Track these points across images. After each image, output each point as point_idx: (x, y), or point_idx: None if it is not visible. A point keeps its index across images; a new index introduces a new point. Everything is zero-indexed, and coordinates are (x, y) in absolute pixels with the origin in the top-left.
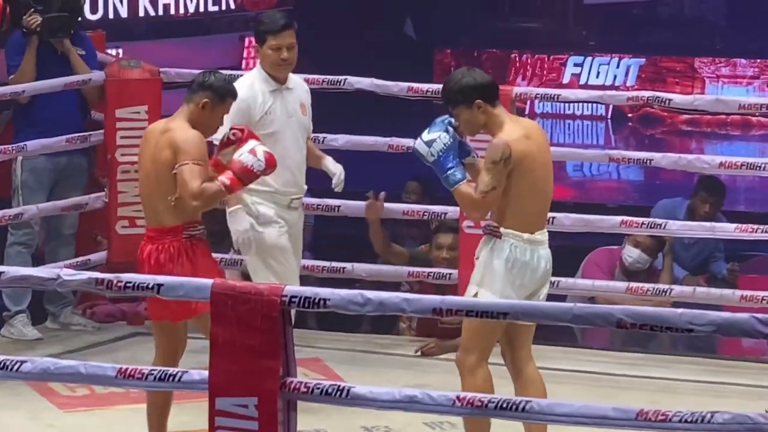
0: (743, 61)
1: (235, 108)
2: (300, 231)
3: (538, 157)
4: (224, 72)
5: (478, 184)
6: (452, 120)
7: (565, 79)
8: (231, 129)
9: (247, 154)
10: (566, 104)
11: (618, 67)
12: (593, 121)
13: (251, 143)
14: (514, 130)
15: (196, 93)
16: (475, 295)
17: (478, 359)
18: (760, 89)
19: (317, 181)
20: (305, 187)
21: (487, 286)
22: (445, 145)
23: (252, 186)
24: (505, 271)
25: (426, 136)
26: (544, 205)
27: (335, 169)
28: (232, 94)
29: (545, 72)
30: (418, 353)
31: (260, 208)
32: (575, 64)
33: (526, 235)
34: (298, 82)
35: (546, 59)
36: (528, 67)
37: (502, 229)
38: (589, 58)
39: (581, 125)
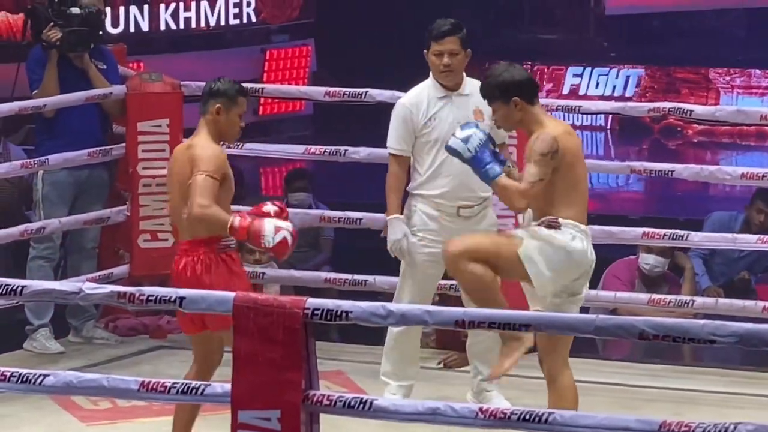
0: (758, 71)
1: (399, 114)
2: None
3: (579, 154)
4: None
5: (525, 175)
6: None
7: (565, 90)
8: (275, 204)
9: (272, 225)
10: (566, 114)
11: (617, 77)
12: (593, 132)
13: (284, 224)
14: (557, 127)
15: (208, 102)
16: (521, 240)
17: (564, 362)
18: None
19: (338, 194)
20: (483, 194)
21: (537, 244)
22: (480, 140)
23: (417, 191)
24: (567, 253)
25: (460, 133)
26: (586, 202)
27: None
28: (242, 92)
29: (543, 83)
30: (441, 365)
31: (418, 215)
32: (574, 75)
33: (583, 227)
34: (477, 87)
35: (545, 70)
36: (545, 78)
37: (560, 219)
38: (589, 69)
39: (581, 135)
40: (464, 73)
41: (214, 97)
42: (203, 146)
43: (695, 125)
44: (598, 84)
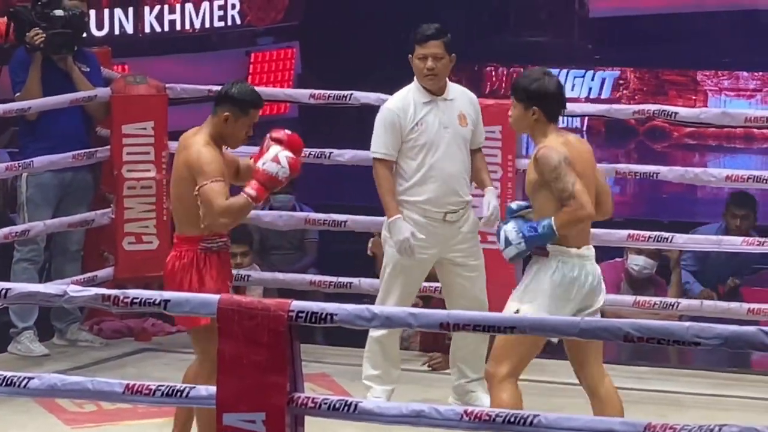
0: (745, 74)
1: (386, 119)
2: (463, 246)
3: (580, 165)
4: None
5: (558, 195)
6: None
7: None
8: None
9: (270, 162)
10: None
11: (593, 79)
12: None
13: (274, 149)
14: (555, 139)
15: (219, 105)
16: (517, 312)
17: (508, 373)
18: (763, 102)
19: (325, 197)
20: (467, 199)
21: (529, 302)
22: (514, 228)
23: (402, 197)
24: (551, 288)
25: (501, 245)
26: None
27: (487, 203)
28: (255, 105)
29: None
30: (426, 367)
31: (408, 221)
32: None
33: (573, 251)
34: (460, 92)
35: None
36: (504, 79)
37: (548, 247)
38: (564, 71)
39: None
40: (447, 79)
41: (227, 102)
42: (197, 153)
43: (682, 127)
44: (573, 86)
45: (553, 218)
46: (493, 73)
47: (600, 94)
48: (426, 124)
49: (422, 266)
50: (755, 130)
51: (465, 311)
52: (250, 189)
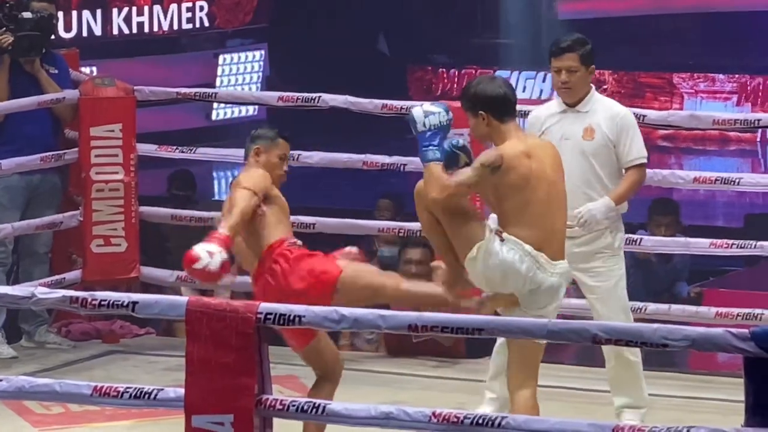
0: (721, 76)
1: (526, 126)
2: (584, 265)
3: (537, 175)
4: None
5: (459, 173)
6: (456, 141)
7: None
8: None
9: (206, 250)
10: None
11: (544, 81)
12: None
13: (215, 247)
14: (515, 146)
15: (249, 147)
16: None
17: (524, 380)
18: (738, 104)
19: (295, 199)
20: (577, 212)
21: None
22: (440, 122)
23: None
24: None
25: (428, 106)
26: (547, 227)
27: (585, 206)
28: (281, 135)
29: (517, 89)
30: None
31: None
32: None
33: (528, 247)
34: (602, 105)
35: (474, 74)
36: (456, 80)
37: (505, 235)
38: (516, 72)
39: None
40: (592, 90)
41: (254, 141)
42: (246, 170)
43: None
44: (525, 88)
45: (438, 164)
46: (456, 76)
47: (552, 95)
48: (549, 134)
49: None
50: (730, 132)
51: (434, 314)
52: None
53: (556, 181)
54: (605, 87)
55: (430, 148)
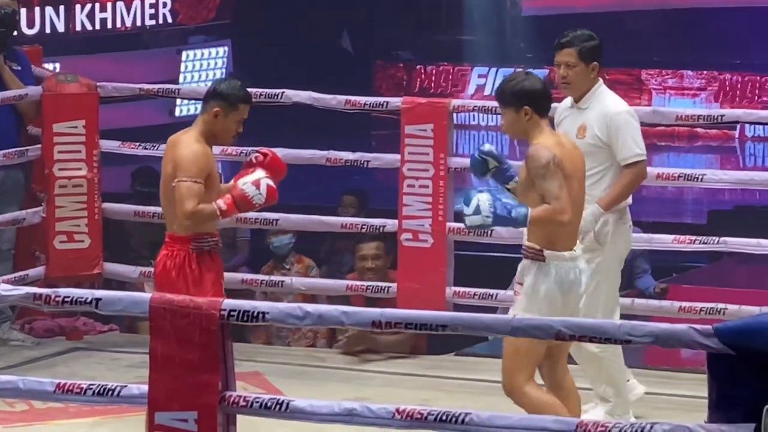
0: (690, 72)
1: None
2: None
3: (570, 166)
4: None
5: (545, 196)
6: (480, 152)
7: (470, 90)
8: (256, 152)
9: (250, 185)
10: (482, 115)
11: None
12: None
13: (258, 174)
14: (547, 138)
15: (208, 102)
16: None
17: (524, 381)
18: (707, 101)
19: None
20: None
21: (531, 311)
22: (488, 200)
23: None
24: (551, 294)
25: (468, 210)
26: (579, 219)
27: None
28: (244, 100)
29: (450, 84)
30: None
31: None
32: (479, 75)
33: (567, 254)
34: (598, 104)
35: (451, 70)
36: (433, 77)
37: (546, 252)
38: (494, 69)
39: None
40: (596, 86)
41: (216, 98)
42: (186, 146)
43: None
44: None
45: (530, 209)
46: (423, 72)
47: None
48: (559, 129)
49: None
50: (699, 129)
51: (398, 310)
52: (222, 202)
53: (583, 175)
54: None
55: (512, 216)
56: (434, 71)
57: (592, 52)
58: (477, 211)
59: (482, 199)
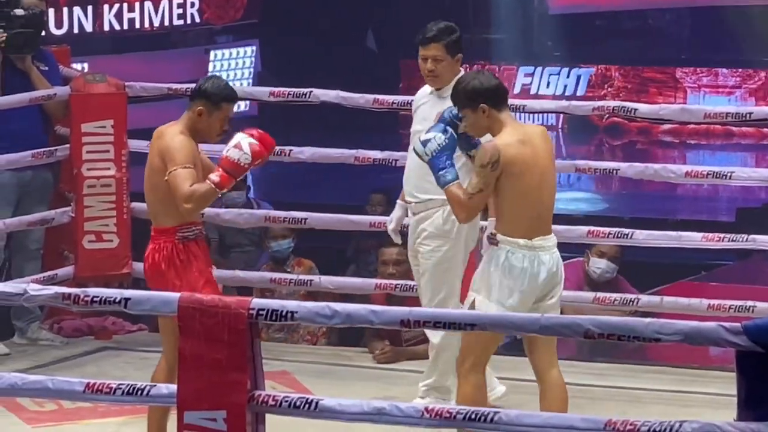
0: (725, 70)
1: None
2: (417, 242)
3: (532, 162)
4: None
5: (467, 186)
6: (454, 111)
7: (516, 90)
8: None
9: (233, 149)
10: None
11: (568, 76)
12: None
13: (237, 137)
14: (510, 135)
15: (194, 100)
16: (473, 302)
17: (471, 366)
18: (742, 98)
19: (286, 194)
20: (425, 197)
21: (484, 293)
22: (439, 145)
23: None
24: (500, 278)
25: (423, 135)
26: (540, 211)
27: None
28: (228, 99)
29: (512, 84)
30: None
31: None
32: (525, 75)
33: (522, 241)
34: None
35: (497, 69)
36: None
37: (498, 236)
38: (540, 68)
39: None
40: (460, 75)
41: (200, 97)
42: (170, 137)
43: (660, 124)
44: (549, 83)
45: (456, 183)
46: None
47: (575, 91)
48: (417, 116)
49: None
50: (733, 127)
51: (426, 309)
52: (214, 176)
53: (548, 165)
54: (611, 82)
55: (440, 172)
56: (468, 69)
57: (457, 45)
58: (425, 143)
59: (437, 140)
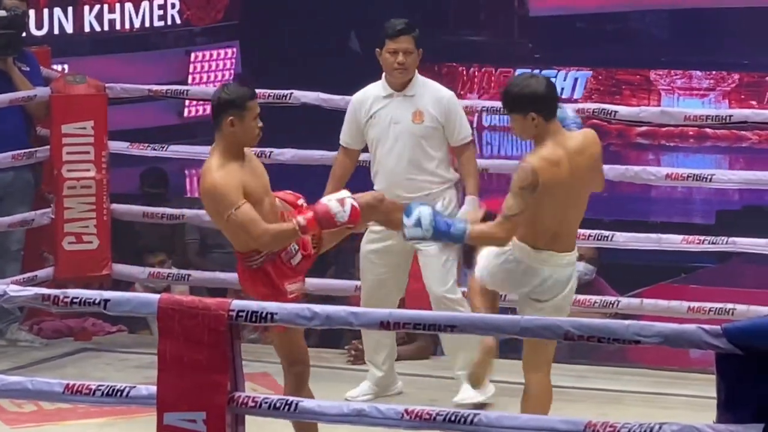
0: (699, 73)
1: (348, 110)
2: (401, 242)
3: (567, 183)
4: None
5: (503, 207)
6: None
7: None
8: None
9: (335, 202)
10: (498, 117)
11: (565, 80)
12: None
13: (344, 192)
14: (550, 152)
15: (219, 116)
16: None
17: (539, 365)
18: (716, 101)
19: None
20: (421, 194)
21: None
22: (429, 214)
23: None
24: (495, 271)
25: (408, 221)
26: (560, 228)
27: (463, 212)
28: (251, 97)
29: (492, 85)
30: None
31: None
32: (505, 77)
33: (533, 251)
34: (427, 90)
35: (493, 72)
36: (475, 80)
37: (513, 241)
38: (536, 71)
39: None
40: (417, 73)
41: (224, 109)
42: (209, 182)
43: (634, 127)
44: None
45: (469, 226)
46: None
47: (572, 94)
48: (378, 118)
49: (387, 256)
50: (708, 129)
51: (406, 311)
52: (303, 218)
53: (583, 182)
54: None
55: (451, 231)
56: (447, 71)
57: (419, 39)
58: (418, 223)
59: (423, 212)
